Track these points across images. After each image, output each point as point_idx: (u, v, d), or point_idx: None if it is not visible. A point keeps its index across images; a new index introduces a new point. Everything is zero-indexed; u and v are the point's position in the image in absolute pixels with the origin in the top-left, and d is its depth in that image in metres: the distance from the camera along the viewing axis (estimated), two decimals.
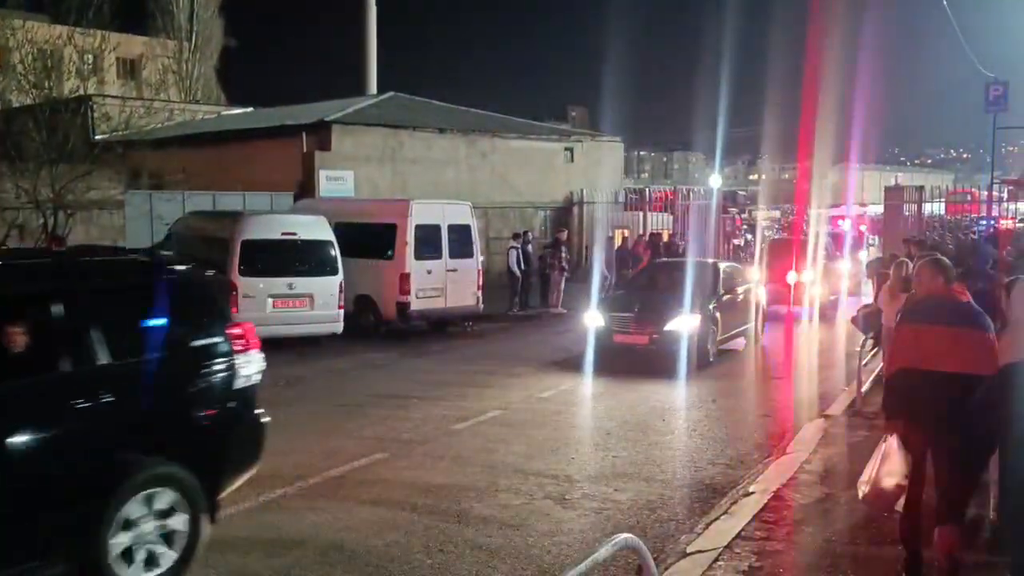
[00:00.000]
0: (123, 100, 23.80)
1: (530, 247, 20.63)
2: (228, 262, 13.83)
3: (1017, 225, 24.86)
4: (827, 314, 18.03)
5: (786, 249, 19.70)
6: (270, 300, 13.97)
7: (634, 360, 12.98)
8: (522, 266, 19.76)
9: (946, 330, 5.03)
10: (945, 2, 25.89)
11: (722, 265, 15.43)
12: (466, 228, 16.65)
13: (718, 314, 13.65)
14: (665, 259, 19.08)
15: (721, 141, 30.57)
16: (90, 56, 18.43)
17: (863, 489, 5.12)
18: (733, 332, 14.46)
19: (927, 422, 5.03)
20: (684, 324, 12.86)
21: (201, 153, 22.45)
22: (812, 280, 18.45)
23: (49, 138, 16.39)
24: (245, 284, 13.77)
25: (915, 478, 5.12)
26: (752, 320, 15.29)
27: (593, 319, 13.60)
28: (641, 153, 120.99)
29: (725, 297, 14.30)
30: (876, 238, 29.10)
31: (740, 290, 15.07)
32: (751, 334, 15.30)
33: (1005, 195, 27.32)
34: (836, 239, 23.33)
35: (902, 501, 5.04)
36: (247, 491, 7.37)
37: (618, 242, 22.19)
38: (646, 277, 16.02)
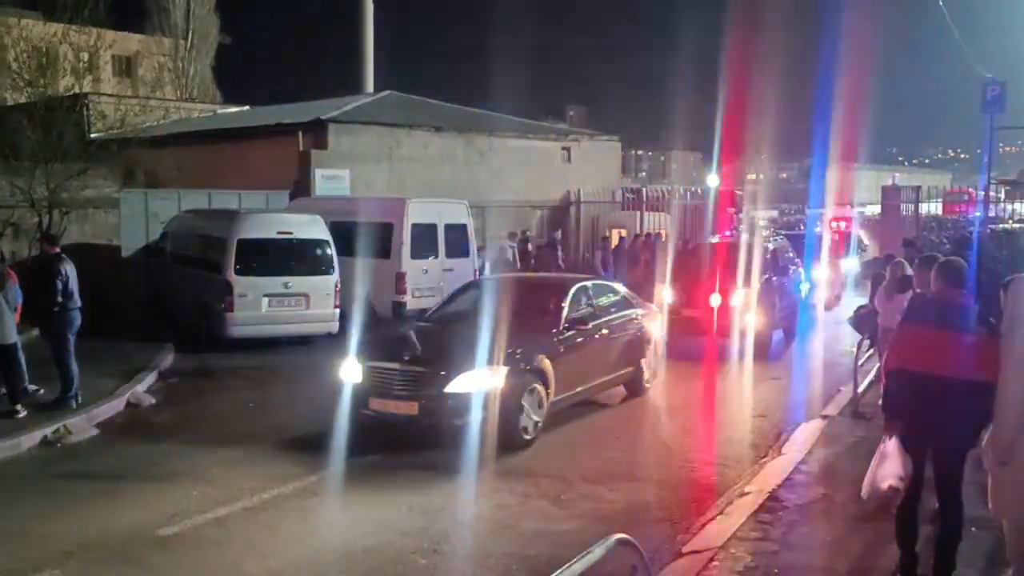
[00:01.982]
0: (119, 98, 23.68)
1: (528, 246, 20.64)
2: (224, 261, 13.83)
3: (1015, 226, 24.82)
4: (765, 350, 13.80)
5: (712, 259, 14.66)
6: (265, 299, 13.94)
7: (397, 442, 8.65)
8: (518, 265, 19.78)
9: (945, 334, 5.01)
10: (941, 2, 25.89)
11: (576, 286, 10.57)
12: (462, 227, 16.63)
13: (550, 363, 9.07)
14: (492, 276, 14.49)
15: (718, 141, 30.48)
16: (85, 54, 18.36)
17: (866, 491, 5.11)
18: (590, 385, 10.06)
19: (926, 424, 5.02)
20: (477, 383, 8.38)
21: (197, 151, 22.41)
22: (744, 304, 13.74)
23: (44, 136, 16.33)
24: (241, 283, 13.75)
25: (913, 479, 5.11)
26: (634, 363, 10.98)
27: (349, 371, 9.02)
28: (639, 152, 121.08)
29: (570, 335, 9.69)
30: (867, 243, 26.06)
31: (606, 322, 10.55)
32: (637, 381, 11.12)
33: (1002, 195, 27.33)
34: (799, 244, 18.73)
35: (899, 501, 5.02)
36: (242, 490, 7.36)
37: (615, 241, 22.16)
38: (458, 303, 10.99)
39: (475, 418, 8.35)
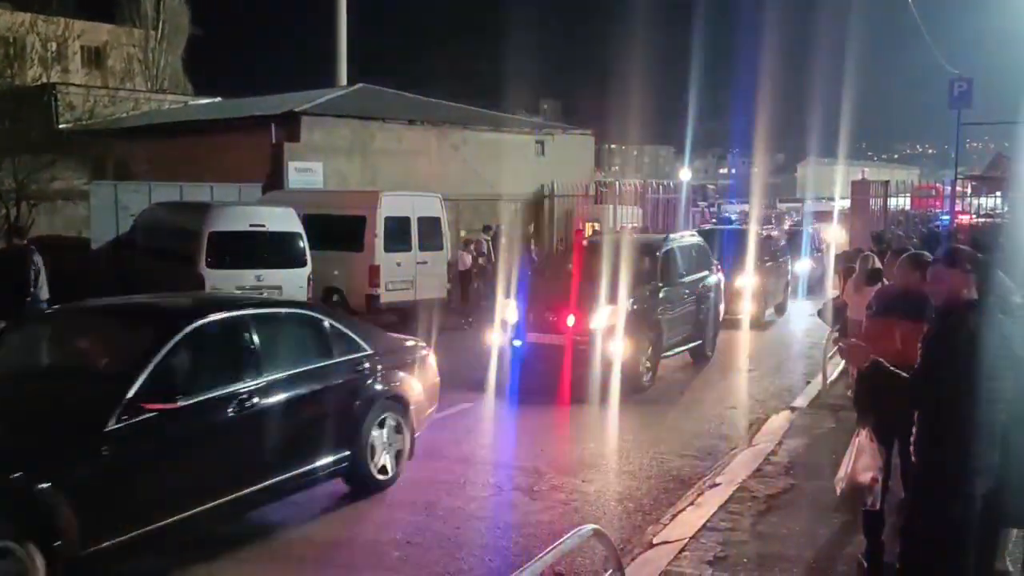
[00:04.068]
0: (88, 89, 23.39)
1: (502, 240, 20.63)
2: (196, 254, 13.69)
3: (978, 220, 25.18)
4: (638, 388, 10.73)
5: (574, 268, 11.60)
6: (237, 292, 13.84)
7: None
8: (492, 259, 19.76)
9: (913, 325, 5.08)
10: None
11: (192, 327, 5.79)
12: (436, 220, 16.63)
13: (63, 490, 4.67)
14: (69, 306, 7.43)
15: (691, 135, 30.70)
16: (53, 44, 18.17)
17: (840, 486, 5.17)
18: (205, 508, 5.55)
19: (894, 415, 5.09)
20: None
21: (168, 144, 22.18)
22: (609, 327, 10.48)
23: (11, 127, 16.15)
24: (213, 276, 13.63)
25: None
26: (348, 446, 6.69)
27: None
28: (612, 146, 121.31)
29: (142, 424, 5.12)
30: (827, 243, 24.12)
31: (271, 385, 6.04)
32: (358, 473, 6.86)
33: (969, 190, 27.73)
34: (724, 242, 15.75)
35: (878, 495, 5.09)
36: None
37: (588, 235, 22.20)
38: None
39: None
